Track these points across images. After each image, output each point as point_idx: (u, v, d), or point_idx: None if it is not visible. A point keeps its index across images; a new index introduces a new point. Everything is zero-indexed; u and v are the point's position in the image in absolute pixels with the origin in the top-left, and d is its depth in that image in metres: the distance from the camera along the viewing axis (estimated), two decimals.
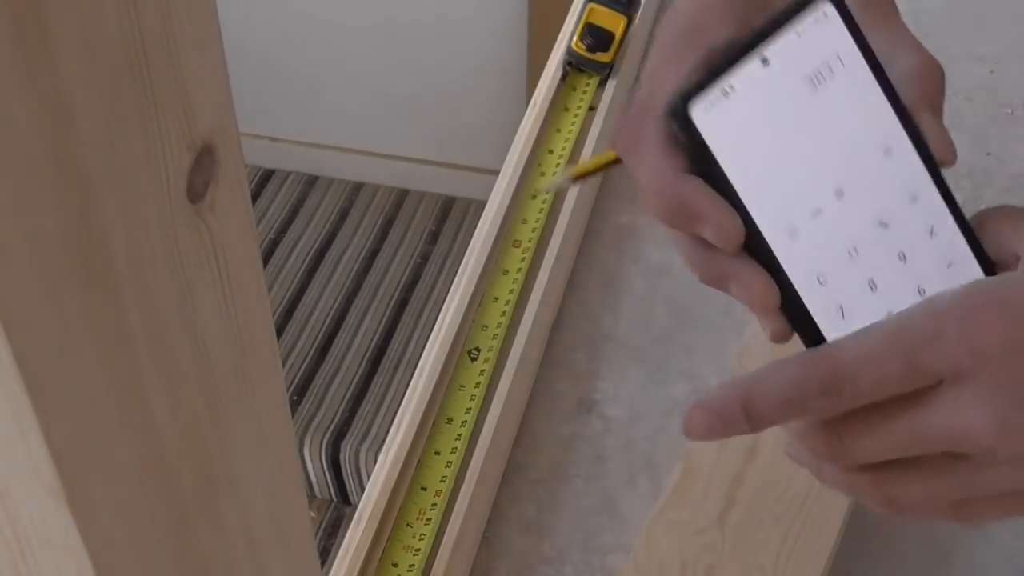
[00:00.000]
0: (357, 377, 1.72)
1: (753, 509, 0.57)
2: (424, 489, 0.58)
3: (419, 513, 0.58)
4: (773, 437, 0.60)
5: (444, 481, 0.59)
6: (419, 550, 0.56)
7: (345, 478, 1.65)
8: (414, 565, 0.56)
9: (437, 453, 0.60)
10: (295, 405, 1.68)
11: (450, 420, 0.61)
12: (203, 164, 0.24)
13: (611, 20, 0.78)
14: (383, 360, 1.75)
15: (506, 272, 0.68)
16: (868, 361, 0.36)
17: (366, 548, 0.56)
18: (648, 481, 0.63)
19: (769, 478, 0.58)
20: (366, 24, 1.87)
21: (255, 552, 0.31)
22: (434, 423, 0.61)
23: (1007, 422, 0.35)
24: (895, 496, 0.39)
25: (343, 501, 1.67)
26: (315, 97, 2.00)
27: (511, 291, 0.67)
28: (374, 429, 1.65)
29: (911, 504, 0.39)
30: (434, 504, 0.58)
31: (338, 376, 1.73)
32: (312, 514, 1.65)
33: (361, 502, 0.58)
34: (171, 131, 0.23)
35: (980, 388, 0.36)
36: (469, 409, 0.62)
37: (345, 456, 1.62)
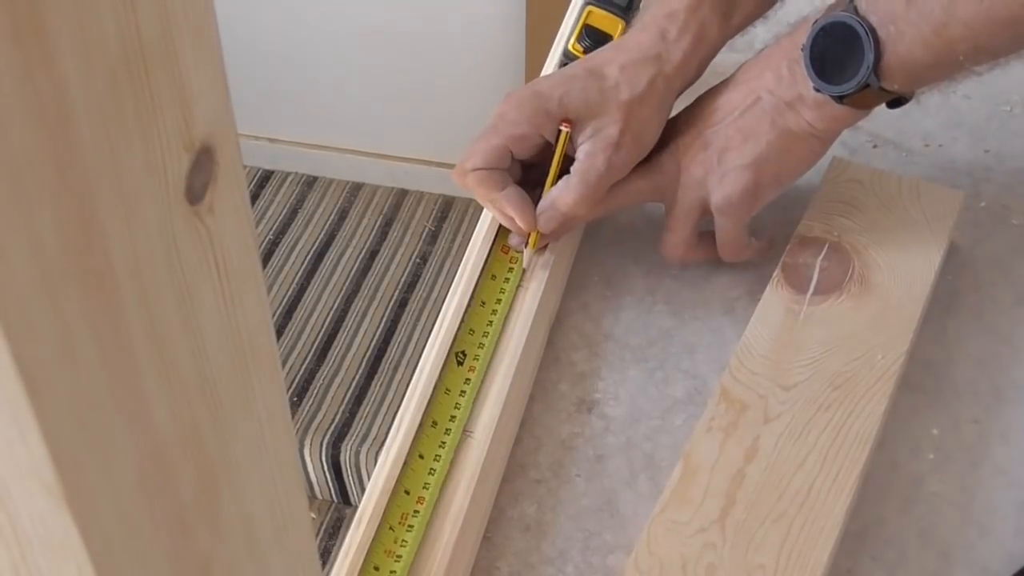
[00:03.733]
0: (357, 378, 1.72)
1: (754, 508, 0.57)
2: (407, 493, 0.58)
3: (401, 517, 0.57)
4: (774, 438, 0.60)
5: (427, 488, 0.58)
6: (400, 556, 0.56)
7: (346, 479, 1.65)
8: (395, 572, 0.55)
9: (421, 456, 0.60)
10: (295, 406, 1.68)
11: (435, 424, 0.61)
12: (202, 165, 0.24)
13: (609, 23, 0.78)
14: (383, 360, 1.75)
15: (494, 277, 0.68)
16: None
17: (366, 549, 0.56)
18: (648, 480, 0.63)
19: (769, 477, 0.58)
20: (365, 25, 1.87)
21: (255, 553, 0.31)
22: (420, 426, 0.61)
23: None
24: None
25: (344, 502, 1.67)
26: (314, 98, 2.00)
27: (499, 298, 0.67)
28: (374, 430, 1.65)
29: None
30: (416, 511, 0.58)
31: (338, 377, 1.73)
32: (312, 515, 1.65)
33: (362, 503, 0.58)
34: (169, 132, 0.23)
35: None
36: (454, 414, 0.61)
37: (345, 457, 1.62)
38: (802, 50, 0.64)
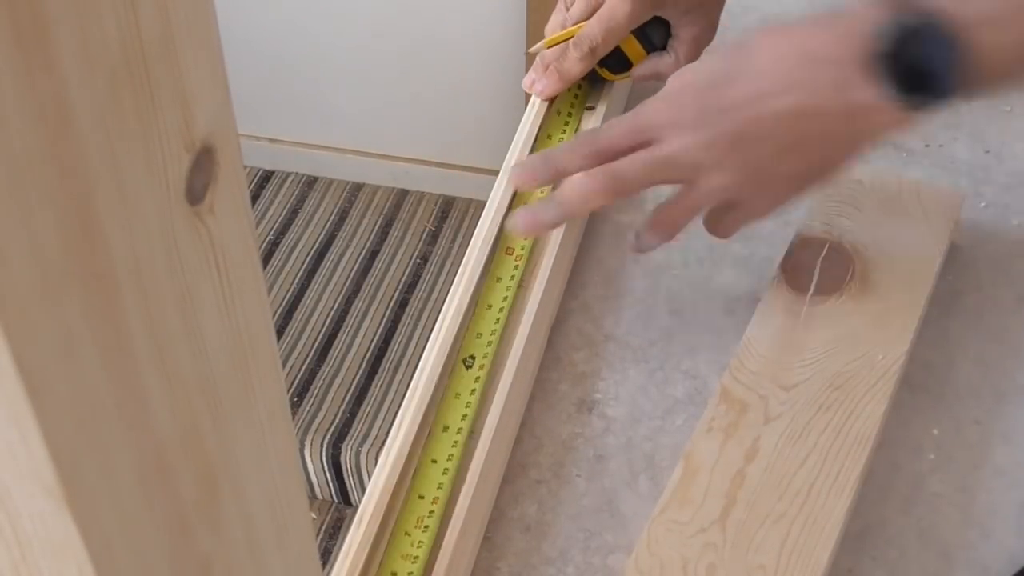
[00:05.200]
0: (358, 378, 1.72)
1: (754, 508, 0.57)
2: (421, 497, 0.58)
3: (417, 521, 0.57)
4: (774, 438, 0.60)
5: (441, 488, 0.59)
6: (417, 557, 0.56)
7: (346, 479, 1.65)
8: (412, 573, 0.56)
9: (434, 461, 0.60)
10: (295, 406, 1.68)
11: (446, 428, 0.61)
12: (202, 165, 0.24)
13: (633, 51, 0.78)
14: (383, 361, 1.75)
15: (499, 279, 0.68)
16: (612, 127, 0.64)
17: (367, 549, 0.56)
18: (649, 481, 0.63)
19: (770, 477, 0.58)
20: (365, 25, 1.87)
21: (256, 553, 0.31)
22: (430, 431, 0.61)
23: (682, 128, 0.61)
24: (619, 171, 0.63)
25: (344, 502, 1.67)
26: (314, 98, 2.00)
27: (504, 299, 0.67)
28: (375, 430, 1.65)
29: (631, 175, 0.63)
30: (431, 512, 0.58)
31: (338, 377, 1.73)
32: (313, 515, 1.65)
33: (362, 503, 0.58)
34: (170, 132, 0.23)
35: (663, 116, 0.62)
36: (465, 416, 0.61)
37: (346, 457, 1.62)
38: (877, 56, 0.56)
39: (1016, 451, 0.63)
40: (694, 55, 0.77)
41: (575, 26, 0.77)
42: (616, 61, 0.78)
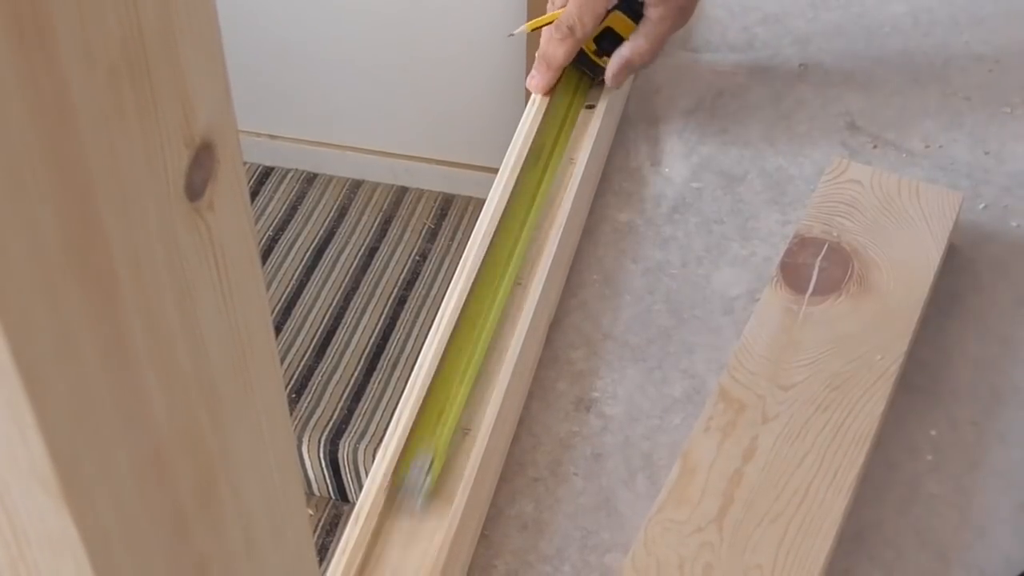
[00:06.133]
0: (355, 375, 1.72)
1: (751, 508, 0.57)
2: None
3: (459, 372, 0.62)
4: (772, 438, 0.60)
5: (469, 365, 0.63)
6: (458, 396, 0.61)
7: (343, 476, 1.65)
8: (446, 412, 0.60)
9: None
10: (293, 403, 1.68)
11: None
12: (202, 162, 0.24)
13: (624, 27, 0.78)
14: (381, 358, 1.75)
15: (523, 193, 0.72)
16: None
17: (364, 545, 0.56)
18: (646, 480, 0.63)
19: (767, 477, 0.58)
20: (365, 22, 1.87)
21: (253, 550, 0.31)
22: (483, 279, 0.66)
23: None
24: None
25: (341, 499, 1.67)
26: (314, 95, 1.99)
27: (529, 210, 0.71)
28: (372, 427, 1.65)
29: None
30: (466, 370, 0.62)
31: (336, 374, 1.73)
32: (310, 512, 1.65)
33: (359, 499, 0.58)
34: (170, 129, 0.23)
35: None
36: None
37: (343, 454, 1.62)
38: None
39: (1013, 452, 0.63)
40: (663, 35, 0.77)
41: (558, 11, 0.77)
42: (610, 43, 0.78)
